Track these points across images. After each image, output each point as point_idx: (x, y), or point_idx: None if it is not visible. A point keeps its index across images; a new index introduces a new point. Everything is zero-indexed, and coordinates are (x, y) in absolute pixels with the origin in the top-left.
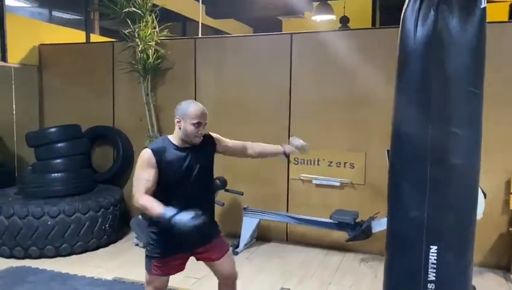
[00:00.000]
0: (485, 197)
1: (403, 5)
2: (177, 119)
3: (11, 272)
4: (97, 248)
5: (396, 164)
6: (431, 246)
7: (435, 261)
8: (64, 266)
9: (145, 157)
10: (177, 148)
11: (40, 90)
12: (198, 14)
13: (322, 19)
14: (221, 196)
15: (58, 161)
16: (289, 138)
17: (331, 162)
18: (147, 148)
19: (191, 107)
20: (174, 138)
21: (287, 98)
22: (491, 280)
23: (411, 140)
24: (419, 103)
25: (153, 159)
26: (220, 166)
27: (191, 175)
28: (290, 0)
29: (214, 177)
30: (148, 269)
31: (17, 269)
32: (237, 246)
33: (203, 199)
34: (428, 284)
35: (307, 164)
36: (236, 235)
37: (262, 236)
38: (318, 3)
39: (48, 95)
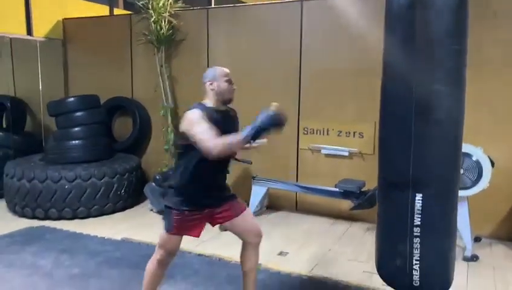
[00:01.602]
0: (492, 166)
1: None
2: (209, 82)
3: (31, 231)
4: (113, 212)
5: (384, 120)
6: (416, 194)
7: (420, 208)
8: (80, 227)
9: (196, 114)
10: (216, 110)
11: (64, 63)
12: None
13: None
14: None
15: (76, 129)
16: (299, 107)
17: (341, 131)
18: (193, 110)
19: (218, 69)
20: (210, 102)
21: (297, 67)
22: (499, 251)
23: (397, 97)
24: (404, 62)
25: (202, 115)
26: None
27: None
28: None
29: None
30: (168, 226)
31: (37, 228)
32: None
33: (228, 160)
34: (414, 228)
35: (316, 133)
36: (246, 203)
37: (272, 205)
38: None
39: (72, 67)
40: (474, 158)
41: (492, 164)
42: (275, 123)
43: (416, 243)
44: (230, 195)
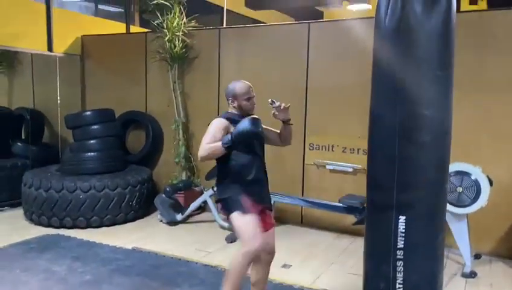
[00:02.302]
0: (491, 185)
1: None
2: (230, 100)
3: (46, 239)
4: (125, 222)
5: (371, 142)
6: (400, 216)
7: (404, 230)
8: (93, 236)
9: (217, 123)
10: (240, 116)
11: (82, 78)
12: (224, 5)
13: (358, 8)
14: None
15: (92, 141)
16: (305, 123)
17: (345, 148)
18: (218, 118)
19: (237, 87)
20: (234, 111)
21: (304, 85)
22: (498, 268)
23: (382, 120)
24: (388, 86)
25: (226, 123)
26: None
27: (257, 141)
28: None
29: None
30: (240, 209)
31: (52, 236)
32: None
33: (263, 166)
34: (398, 251)
35: (322, 149)
36: None
37: (278, 218)
38: None
39: (89, 82)
40: (473, 177)
41: (491, 182)
42: (247, 128)
43: (399, 266)
44: (271, 204)
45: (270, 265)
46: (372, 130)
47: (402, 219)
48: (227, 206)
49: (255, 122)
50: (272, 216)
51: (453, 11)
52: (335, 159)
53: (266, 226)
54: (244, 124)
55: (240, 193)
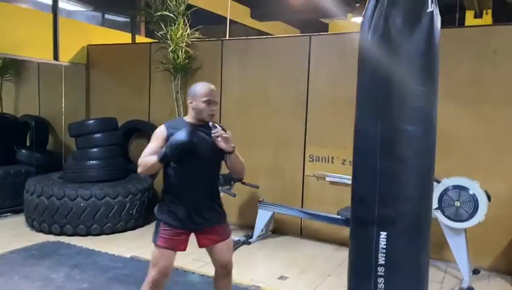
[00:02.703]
0: (489, 200)
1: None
2: (189, 100)
3: (46, 246)
4: (125, 230)
5: (355, 156)
6: (381, 232)
7: (385, 247)
8: (93, 244)
9: (158, 131)
10: (189, 124)
11: (87, 86)
12: (226, 16)
13: None
14: (237, 188)
15: (94, 150)
16: (306, 135)
17: (345, 160)
18: (161, 125)
19: (199, 87)
20: (188, 118)
21: (305, 97)
22: (497, 284)
23: (364, 134)
24: (370, 101)
25: (165, 133)
26: None
27: (198, 152)
28: (330, 3)
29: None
30: (155, 240)
31: (52, 243)
32: (251, 237)
33: (208, 181)
34: (379, 268)
35: (322, 161)
36: (252, 227)
37: (278, 229)
38: (359, 4)
39: (94, 90)
40: (470, 191)
41: (489, 197)
42: (181, 139)
43: (380, 283)
44: (218, 220)
45: (228, 278)
46: (355, 144)
47: (383, 234)
48: (154, 231)
49: (193, 133)
50: (221, 231)
51: (436, 28)
52: (335, 171)
53: (205, 243)
54: (180, 134)
55: (163, 218)
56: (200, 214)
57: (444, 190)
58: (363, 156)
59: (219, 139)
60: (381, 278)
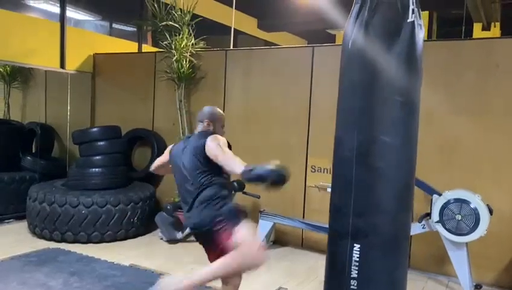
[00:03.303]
0: (491, 214)
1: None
2: (206, 122)
3: (46, 252)
4: (125, 239)
5: (334, 166)
6: (355, 244)
7: (358, 259)
8: (93, 251)
9: (223, 139)
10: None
11: (92, 94)
12: (231, 27)
13: None
14: (238, 198)
15: (97, 157)
16: (307, 146)
17: None
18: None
19: (219, 112)
20: None
21: (307, 107)
22: None
23: (342, 143)
24: (348, 111)
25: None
26: None
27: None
28: (337, 14)
29: (232, 180)
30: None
31: (52, 250)
32: None
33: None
34: (351, 281)
35: (324, 172)
36: None
37: (279, 240)
38: None
39: (99, 98)
40: (472, 205)
41: (491, 211)
42: (274, 178)
43: None
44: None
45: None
46: (334, 154)
47: (357, 247)
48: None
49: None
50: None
51: (418, 39)
52: None
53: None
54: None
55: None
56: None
57: (445, 203)
58: (340, 166)
59: None
60: None
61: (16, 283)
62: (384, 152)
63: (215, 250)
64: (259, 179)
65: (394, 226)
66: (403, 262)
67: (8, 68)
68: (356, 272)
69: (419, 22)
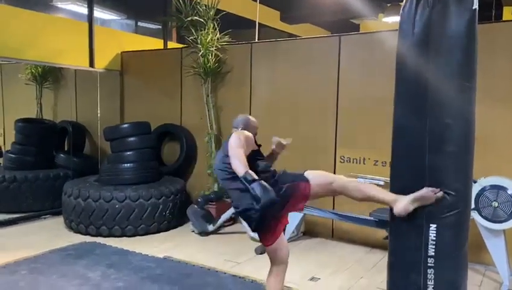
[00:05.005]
0: None
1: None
2: (241, 128)
3: (83, 246)
4: (158, 232)
5: (397, 154)
6: (430, 225)
7: (435, 238)
8: (127, 244)
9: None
10: None
11: (121, 92)
12: (256, 20)
13: (394, 21)
14: None
15: (128, 153)
16: (336, 136)
17: (377, 161)
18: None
19: (253, 120)
20: None
21: (335, 97)
22: None
23: (410, 131)
24: (417, 98)
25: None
26: None
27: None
28: (361, 4)
29: None
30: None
31: (88, 243)
32: None
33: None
34: (429, 259)
35: (353, 162)
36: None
37: (309, 231)
38: (390, 4)
39: (128, 95)
40: (509, 191)
41: None
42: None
43: (430, 273)
44: None
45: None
46: (396, 141)
47: (433, 227)
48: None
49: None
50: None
51: (476, 23)
52: (366, 172)
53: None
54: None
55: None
56: None
57: (480, 190)
58: (407, 152)
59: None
60: (431, 269)
61: (56, 275)
62: (454, 137)
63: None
64: (254, 198)
65: (464, 205)
66: (468, 235)
67: (40, 69)
68: (433, 250)
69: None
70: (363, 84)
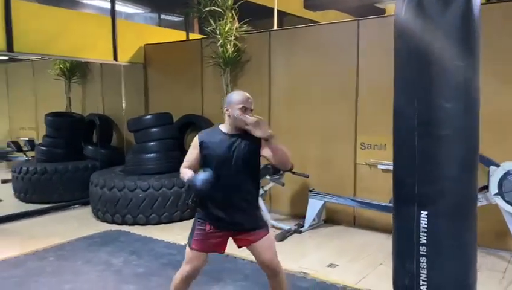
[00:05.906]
0: None
1: None
2: (225, 108)
3: (108, 234)
4: (181, 220)
5: (394, 137)
6: (422, 211)
7: (426, 226)
8: (151, 232)
9: (194, 140)
10: (224, 134)
11: (145, 84)
12: (274, 7)
13: None
14: (287, 178)
15: (151, 143)
16: (356, 122)
17: None
18: (197, 134)
19: (234, 95)
20: (224, 126)
21: (354, 83)
22: None
23: (401, 114)
24: (406, 80)
25: (197, 141)
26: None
27: (231, 159)
28: None
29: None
30: (189, 242)
31: (113, 232)
32: (302, 226)
33: (243, 186)
34: (421, 247)
35: (374, 149)
36: (303, 216)
37: (331, 219)
38: None
39: (151, 87)
40: None
41: None
42: (194, 188)
43: (423, 262)
44: (257, 226)
45: (276, 281)
46: (394, 125)
47: (424, 213)
48: (189, 234)
49: (207, 181)
50: (258, 234)
51: (475, 1)
52: (387, 158)
53: (249, 240)
54: (197, 178)
55: (197, 221)
56: (239, 216)
57: (504, 174)
58: (402, 136)
59: (252, 126)
60: (424, 258)
61: (81, 261)
62: (447, 119)
63: None
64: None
65: (462, 192)
66: (471, 226)
67: (68, 64)
68: (425, 238)
69: None
70: (383, 69)
